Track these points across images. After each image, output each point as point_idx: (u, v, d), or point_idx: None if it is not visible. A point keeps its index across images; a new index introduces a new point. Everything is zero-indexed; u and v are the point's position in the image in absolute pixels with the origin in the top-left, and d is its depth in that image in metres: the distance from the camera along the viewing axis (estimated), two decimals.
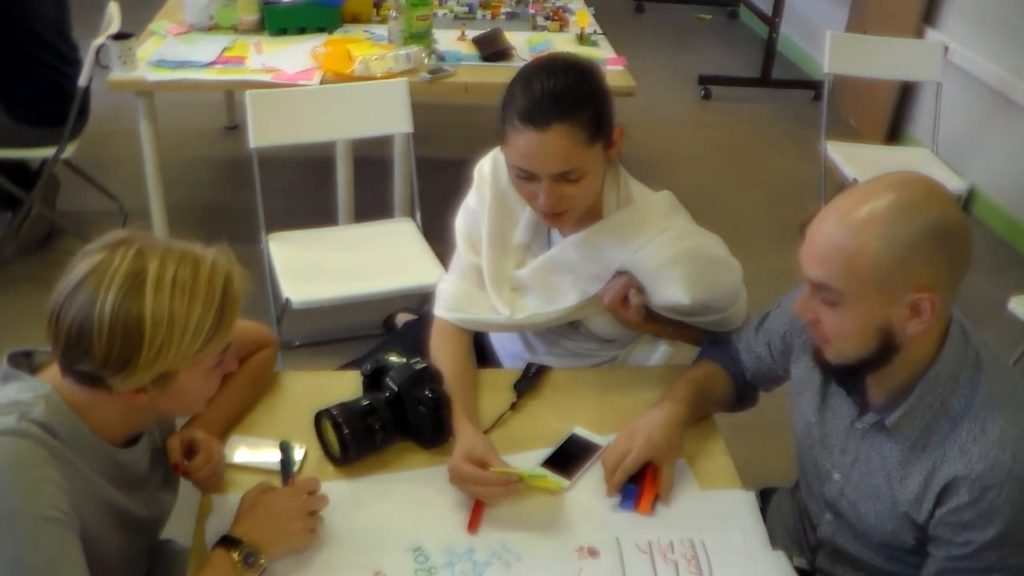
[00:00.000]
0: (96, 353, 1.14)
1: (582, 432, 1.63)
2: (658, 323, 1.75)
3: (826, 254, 1.24)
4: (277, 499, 1.36)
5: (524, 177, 1.58)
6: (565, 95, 1.52)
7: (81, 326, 1.14)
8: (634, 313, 1.68)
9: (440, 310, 1.81)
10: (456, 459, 1.47)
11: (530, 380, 1.74)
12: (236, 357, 1.35)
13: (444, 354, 1.72)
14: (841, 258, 1.22)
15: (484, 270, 1.78)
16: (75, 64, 3.26)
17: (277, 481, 1.42)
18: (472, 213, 1.82)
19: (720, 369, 1.71)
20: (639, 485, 1.50)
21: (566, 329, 1.84)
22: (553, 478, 1.51)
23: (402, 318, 3.03)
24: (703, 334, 1.78)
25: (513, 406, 1.68)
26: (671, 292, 1.64)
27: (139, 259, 1.16)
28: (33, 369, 1.27)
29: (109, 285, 1.14)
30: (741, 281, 1.72)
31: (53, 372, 1.25)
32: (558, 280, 1.74)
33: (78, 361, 1.17)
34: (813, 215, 1.28)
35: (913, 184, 1.25)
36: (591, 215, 1.70)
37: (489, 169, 1.78)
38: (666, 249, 1.64)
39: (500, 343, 1.97)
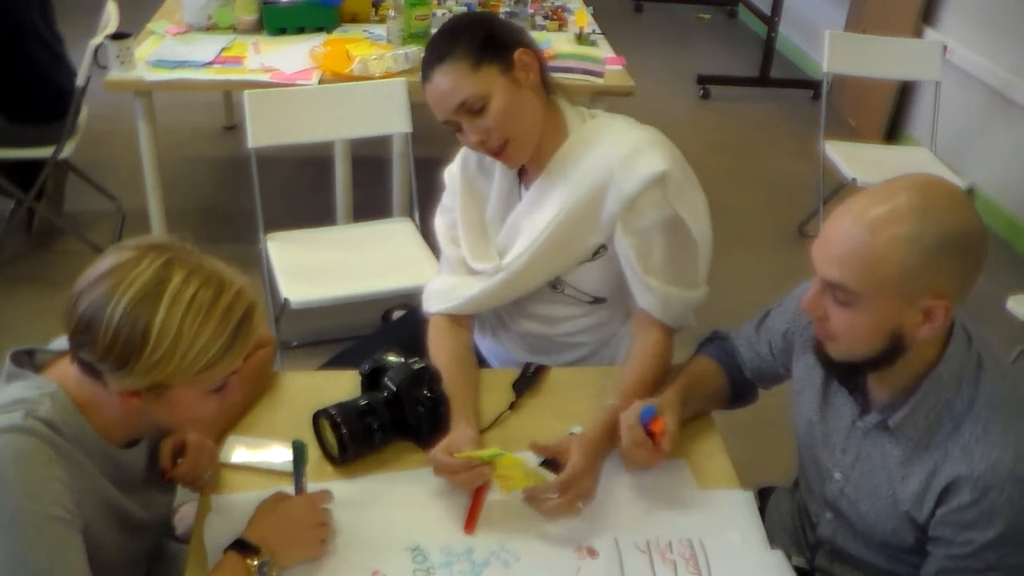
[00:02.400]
0: (99, 345, 1.15)
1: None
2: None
3: (845, 255, 1.21)
4: (294, 507, 1.36)
5: (451, 130, 1.67)
6: (438, 44, 1.63)
7: (92, 318, 1.14)
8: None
9: (432, 306, 1.81)
10: (436, 450, 1.48)
11: (529, 380, 1.74)
12: (242, 389, 1.30)
13: (442, 352, 1.72)
14: (862, 260, 1.20)
15: (464, 250, 1.81)
16: (62, 56, 3.24)
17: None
18: (448, 210, 1.88)
19: (714, 363, 1.70)
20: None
21: (548, 291, 1.81)
22: (541, 472, 1.49)
23: (399, 314, 3.02)
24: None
25: (512, 406, 1.68)
26: (650, 165, 1.62)
27: (166, 268, 1.16)
28: (36, 368, 1.27)
29: (128, 287, 1.14)
30: (707, 211, 1.73)
31: (58, 370, 1.25)
32: (536, 218, 1.73)
33: (82, 347, 1.17)
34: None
35: (936, 188, 1.22)
36: (547, 155, 1.72)
37: (457, 166, 1.86)
38: (631, 133, 1.70)
39: (489, 350, 1.97)
